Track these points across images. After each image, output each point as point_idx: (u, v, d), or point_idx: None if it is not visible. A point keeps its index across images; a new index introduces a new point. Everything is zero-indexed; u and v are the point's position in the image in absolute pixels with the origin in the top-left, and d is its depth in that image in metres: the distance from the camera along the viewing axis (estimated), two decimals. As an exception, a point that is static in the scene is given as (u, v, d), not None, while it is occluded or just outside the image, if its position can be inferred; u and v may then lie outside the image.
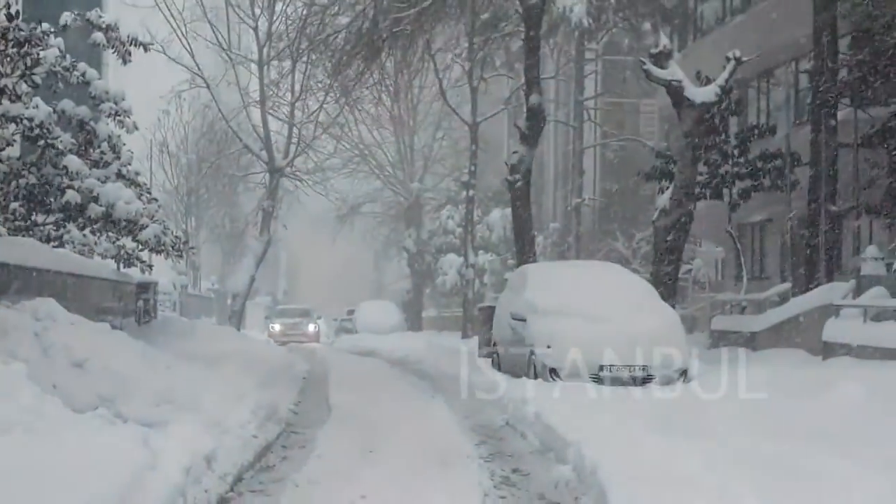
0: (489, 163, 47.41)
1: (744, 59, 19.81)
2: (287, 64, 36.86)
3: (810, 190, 21.28)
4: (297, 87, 37.20)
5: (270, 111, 38.08)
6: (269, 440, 10.05)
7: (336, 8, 27.47)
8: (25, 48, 14.88)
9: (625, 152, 42.08)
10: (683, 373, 14.12)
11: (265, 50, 37.06)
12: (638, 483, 6.77)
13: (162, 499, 6.33)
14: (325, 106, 37.80)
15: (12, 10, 15.19)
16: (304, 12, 31.00)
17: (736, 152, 23.33)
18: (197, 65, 37.04)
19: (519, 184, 22.98)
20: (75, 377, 10.69)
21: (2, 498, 5.32)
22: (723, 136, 23.31)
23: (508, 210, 33.35)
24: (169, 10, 35.88)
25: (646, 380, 13.59)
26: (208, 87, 37.82)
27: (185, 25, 36.58)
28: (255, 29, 37.43)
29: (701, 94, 19.58)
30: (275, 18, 36.87)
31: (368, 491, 7.42)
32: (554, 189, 48.98)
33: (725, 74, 19.69)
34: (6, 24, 13.78)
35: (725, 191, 23.53)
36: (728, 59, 19.74)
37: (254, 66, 38.65)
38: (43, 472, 5.88)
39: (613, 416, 10.14)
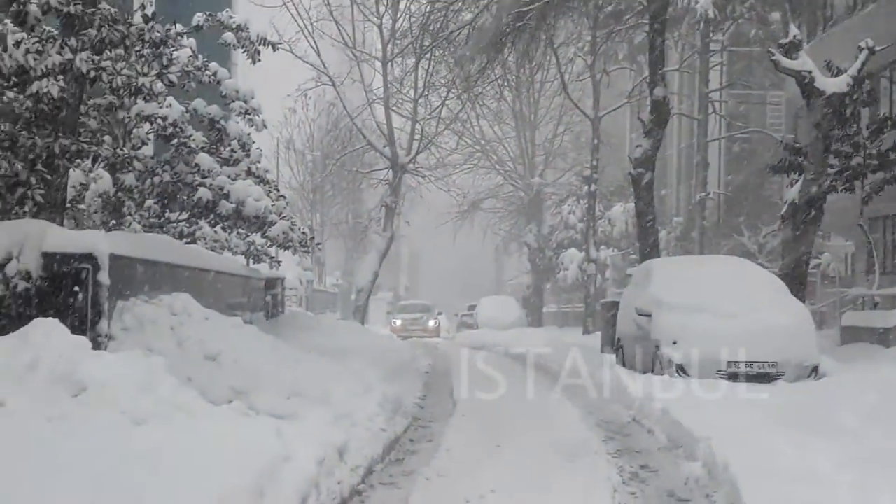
0: (611, 157, 47.08)
1: (877, 48, 19.25)
2: (410, 61, 37.16)
3: (946, 182, 20.56)
4: (420, 84, 37.45)
5: (394, 108, 38.45)
6: (397, 433, 10.19)
7: (459, 4, 27.58)
8: (161, 49, 15.31)
9: (750, 145, 41.31)
10: (814, 370, 13.84)
11: (389, 47, 37.41)
12: (771, 479, 6.69)
13: (297, 490, 6.49)
14: (447, 102, 38.01)
15: (148, 12, 15.65)
16: (428, 9, 31.14)
17: (868, 143, 22.66)
18: (322, 63, 37.57)
19: (643, 178, 22.78)
20: (209, 370, 11.00)
21: (142, 487, 5.51)
22: (854, 128, 22.65)
23: (630, 205, 33.10)
24: (296, 8, 36.47)
25: (775, 377, 13.35)
26: (333, 84, 38.32)
27: (311, 24, 37.13)
28: (380, 26, 37.80)
29: (832, 84, 19.09)
30: (399, 16, 37.18)
31: (497, 485, 7.47)
32: (677, 183, 48.32)
33: (857, 64, 19.16)
34: (142, 25, 14.18)
35: (857, 183, 22.87)
36: (860, 49, 19.21)
37: (378, 64, 39.09)
38: (181, 462, 6.08)
39: (743, 412, 10.02)
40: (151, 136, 18.47)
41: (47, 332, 7.77)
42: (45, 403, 6.78)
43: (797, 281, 19.07)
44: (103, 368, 7.30)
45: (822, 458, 7.33)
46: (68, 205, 14.54)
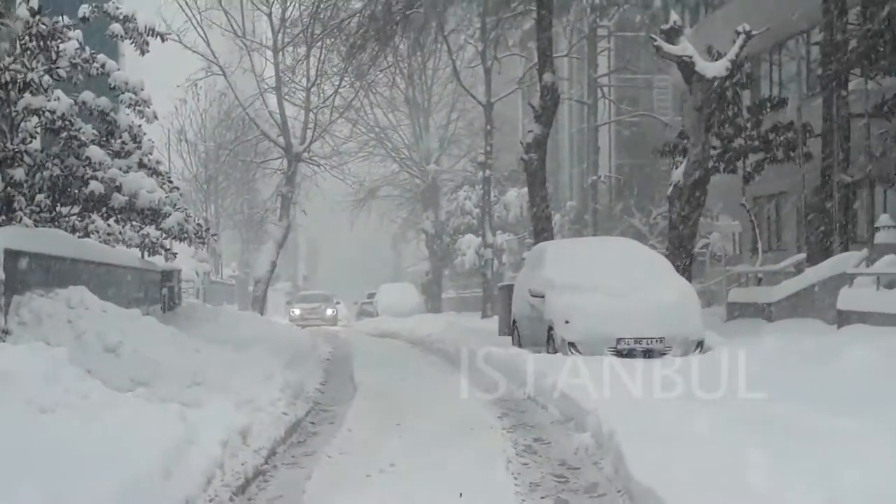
0: (504, 142, 47.63)
1: (753, 32, 19.97)
2: (302, 49, 37.20)
3: (823, 161, 21.45)
4: (313, 73, 37.49)
5: (286, 97, 38.37)
6: (298, 417, 10.41)
7: (349, -9, 27.73)
8: (48, 42, 15.20)
9: (640, 128, 42.21)
10: (699, 344, 14.42)
11: (280, 36, 37.33)
12: (653, 444, 7.08)
13: (202, 470, 6.70)
14: (340, 90, 38.11)
15: (34, 5, 15.51)
16: (317, -3, 31.24)
17: (749, 125, 23.49)
18: (212, 52, 37.34)
19: (534, 162, 23.19)
20: (109, 362, 11.09)
21: (55, 470, 5.65)
22: (735, 110, 23.46)
23: (525, 189, 33.60)
24: (184, -2, 36.17)
25: (663, 351, 13.90)
26: (224, 74, 38.12)
27: (199, 14, 36.90)
28: (270, 15, 37.71)
29: (712, 68, 19.75)
30: (288, 4, 37.19)
31: (397, 460, 7.76)
32: (570, 167, 49.16)
33: (736, 49, 19.85)
34: (29, 18, 14.08)
35: (739, 164, 23.70)
36: (738, 33, 19.91)
37: (269, 53, 38.96)
38: (90, 447, 6.24)
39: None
40: (39, 129, 18.21)
41: (-54, 326, 7.80)
42: (-52, 396, 6.85)
43: (684, 259, 19.72)
44: (6, 359, 7.38)
45: (702, 422, 7.76)
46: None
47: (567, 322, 14.34)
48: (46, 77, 15.70)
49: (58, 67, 14.97)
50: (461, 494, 6.64)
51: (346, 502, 6.58)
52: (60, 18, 16.80)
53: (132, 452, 6.28)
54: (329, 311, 46.73)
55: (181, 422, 7.31)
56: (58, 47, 16.64)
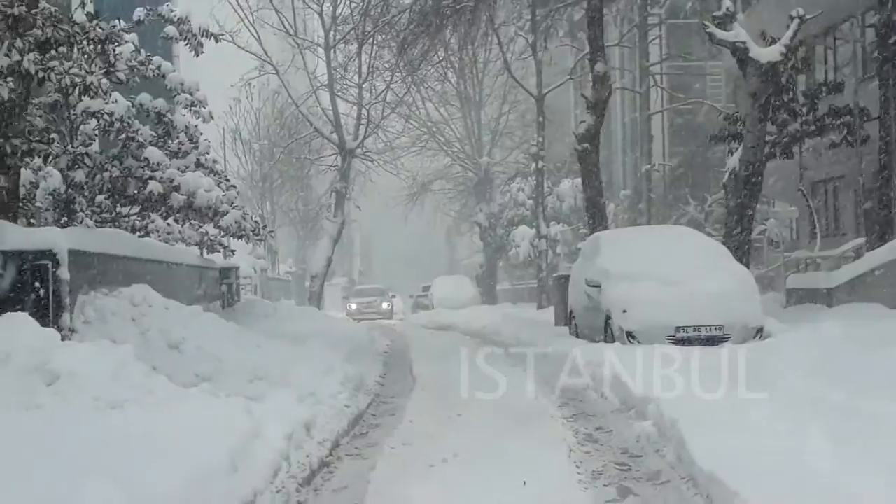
0: (557, 133, 47.48)
1: (807, 16, 19.79)
2: (353, 47, 37.36)
3: (881, 143, 21.19)
4: (364, 69, 37.63)
5: (339, 94, 38.57)
6: (360, 409, 10.52)
7: (399, -12, 27.82)
8: (105, 46, 15.41)
9: (693, 116, 41.90)
10: (759, 331, 14.33)
11: (331, 34, 37.51)
12: (715, 432, 7.09)
13: (269, 463, 6.82)
14: (392, 86, 38.20)
15: (90, 9, 15.76)
16: (368, -5, 31.36)
17: (804, 110, 23.27)
18: (265, 52, 37.63)
19: (588, 153, 23.13)
20: (173, 358, 11.28)
21: (124, 464, 5.79)
22: (790, 95, 23.24)
23: (578, 180, 33.49)
24: (236, -1, 36.53)
25: (722, 339, 13.82)
26: (277, 73, 38.41)
27: (251, 14, 37.18)
28: (321, 13, 37.93)
29: (766, 54, 19.60)
30: (339, 2, 37.32)
31: (459, 450, 7.84)
32: (623, 156, 48.92)
33: (790, 33, 19.68)
34: (86, 23, 14.31)
35: (795, 149, 23.48)
36: (791, 18, 19.73)
37: (321, 51, 39.19)
38: (159, 442, 6.38)
39: (690, 374, 10.41)
40: (98, 132, 18.53)
41: (17, 325, 8.00)
42: (21, 394, 7.03)
43: (741, 246, 19.60)
44: (75, 358, 7.56)
45: (763, 409, 7.75)
46: (20, 203, 14.66)
47: (624, 311, 14.32)
48: (105, 80, 15.95)
49: (116, 70, 15.19)
50: (525, 483, 6.70)
51: (411, 492, 6.67)
52: (117, 22, 17.06)
53: (199, 446, 6.42)
54: (385, 305, 47.29)
55: (246, 415, 7.44)
56: (114, 50, 16.87)
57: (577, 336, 16.73)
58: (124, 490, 5.16)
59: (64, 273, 11.33)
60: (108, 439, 6.21)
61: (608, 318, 14.73)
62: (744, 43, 19.47)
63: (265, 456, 6.87)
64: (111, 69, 14.91)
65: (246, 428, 7.08)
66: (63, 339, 10.86)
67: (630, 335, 14.07)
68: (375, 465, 7.59)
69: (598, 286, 15.33)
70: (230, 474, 6.26)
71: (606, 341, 14.52)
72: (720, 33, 19.63)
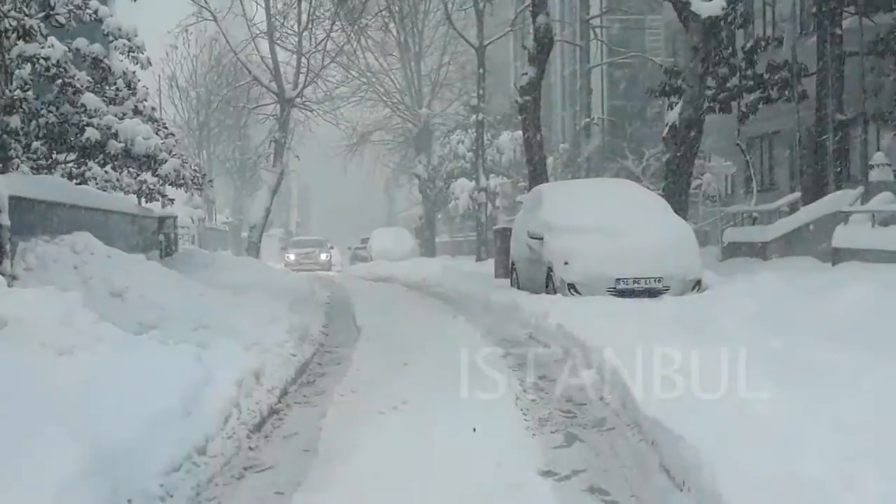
0: (497, 86, 47.51)
1: (749, -29, 19.96)
2: (294, -6, 36.97)
3: (817, 100, 21.52)
4: (304, 17, 37.29)
5: (278, 42, 38.22)
6: (306, 358, 10.57)
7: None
8: (43, -11, 15.13)
9: (632, 70, 42.14)
10: (697, 283, 14.59)
11: (272, -20, 37.05)
12: (656, 379, 7.24)
13: (220, 410, 6.85)
14: (332, 35, 37.89)
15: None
16: (310, -59, 31.00)
17: (743, 65, 23.53)
18: (203, -2, 37.10)
19: (529, 105, 23.20)
20: (116, 306, 11.21)
21: (78, 411, 5.78)
22: (730, 50, 23.48)
23: (518, 133, 33.61)
24: (174, -57, 35.92)
25: (661, 291, 14.06)
26: (215, 19, 37.88)
27: (190, -42, 36.56)
28: (262, -41, 37.44)
29: (707, 8, 19.73)
30: (280, -52, 36.81)
31: (408, 397, 7.93)
32: (562, 110, 49.11)
33: (731, -13, 19.84)
34: (24, -34, 14.04)
35: (734, 104, 23.77)
36: (733, -27, 19.89)
37: (260, -3, 38.68)
38: (111, 388, 6.37)
39: (631, 324, 10.61)
40: (33, 76, 18.16)
41: (-39, 272, 7.89)
42: (-33, 340, 6.96)
43: (680, 200, 19.85)
44: (21, 304, 7.50)
45: (706, 357, 7.90)
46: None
47: (566, 263, 14.48)
48: (43, 24, 15.65)
49: (56, 14, 14.92)
50: (475, 429, 6.81)
51: (363, 439, 6.74)
52: (55, -36, 16.71)
53: (152, 392, 6.42)
54: (323, 256, 47.33)
55: (197, 362, 7.45)
56: (50, -7, 16.55)
57: (519, 288, 16.88)
58: (80, 436, 5.15)
59: (4, 219, 11.19)
60: (60, 385, 6.19)
61: (550, 269, 14.88)
62: (686, -3, 19.59)
63: (216, 402, 6.90)
64: (51, 12, 14.62)
65: (197, 375, 7.09)
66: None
67: (571, 287, 14.24)
68: (326, 413, 7.65)
69: (541, 238, 15.47)
70: (183, 420, 6.29)
71: (548, 293, 14.69)
72: (662, -13, 19.73)
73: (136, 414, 5.89)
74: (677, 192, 20.08)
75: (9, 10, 12.23)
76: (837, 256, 16.91)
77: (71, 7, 17.96)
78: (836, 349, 7.96)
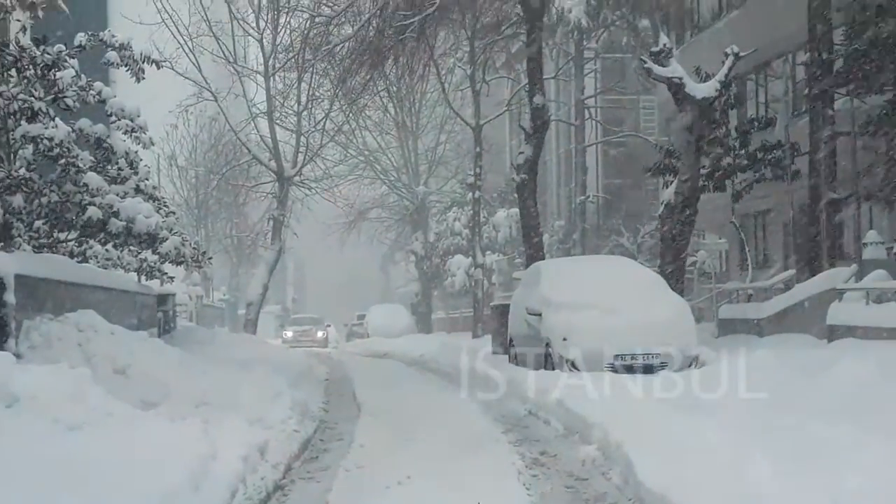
0: (493, 164, 48.00)
1: (742, 54, 20.38)
2: (293, 75, 37.45)
3: (810, 178, 21.81)
4: (304, 97, 37.76)
5: (278, 122, 38.66)
6: (308, 434, 10.63)
7: (341, 18, 28.00)
8: (52, 71, 15.38)
9: (626, 148, 42.66)
10: (695, 359, 14.69)
11: (271, 61, 37.58)
12: (660, 453, 7.34)
13: (227, 485, 6.93)
14: (330, 115, 38.36)
15: (28, 35, 15.77)
16: (309, 23, 31.52)
17: (737, 144, 23.90)
18: (204, 78, 37.60)
19: (526, 183, 23.46)
20: (119, 384, 11.28)
21: (89, 485, 5.87)
22: (724, 130, 23.85)
23: (514, 210, 33.92)
24: (175, 25, 36.53)
25: (660, 367, 14.14)
26: (216, 99, 38.39)
27: (191, 40, 37.12)
28: (261, 41, 38.00)
29: (701, 89, 20.13)
30: (279, 30, 37.41)
31: (413, 473, 8.00)
32: (557, 187, 49.55)
33: (725, 70, 20.25)
34: (33, 48, 14.32)
35: (728, 182, 24.07)
36: (727, 55, 20.30)
37: (260, 78, 39.17)
38: (120, 463, 6.47)
39: (631, 400, 10.72)
40: (37, 156, 18.39)
41: (-28, 349, 8.01)
42: (-22, 416, 7.06)
43: (675, 277, 20.02)
44: (33, 380, 7.61)
45: (705, 433, 8.02)
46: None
47: (565, 339, 14.59)
48: (43, 105, 15.92)
49: (64, 97, 15.19)
50: (479, 503, 6.89)
51: (369, 513, 6.83)
52: (62, 47, 17.03)
53: (161, 467, 6.52)
54: (320, 334, 47.50)
55: (204, 437, 7.54)
56: (54, 75, 16.83)
57: (517, 364, 16.95)
58: (94, 509, 5.25)
59: (10, 298, 11.31)
60: (71, 461, 6.28)
61: (548, 346, 14.99)
62: (680, 78, 19.98)
63: (223, 477, 6.98)
64: (59, 95, 14.88)
65: (203, 450, 7.19)
66: (9, 363, 10.85)
67: (570, 363, 14.32)
68: (331, 488, 7.73)
69: (539, 315, 15.59)
70: (191, 495, 6.37)
71: (547, 369, 14.76)
72: (657, 69, 20.12)
73: (146, 489, 5.98)
74: (673, 269, 20.26)
75: (17, 93, 12.49)
76: (833, 333, 17.03)
77: (75, 88, 18.25)
78: (834, 425, 8.07)
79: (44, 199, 18.38)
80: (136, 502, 5.69)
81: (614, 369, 13.96)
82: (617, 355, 14.22)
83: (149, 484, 6.07)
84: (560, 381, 12.74)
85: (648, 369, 14.01)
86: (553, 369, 14.54)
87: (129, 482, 6.00)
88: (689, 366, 14.48)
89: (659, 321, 14.73)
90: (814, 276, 20.38)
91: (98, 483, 5.87)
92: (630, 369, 13.95)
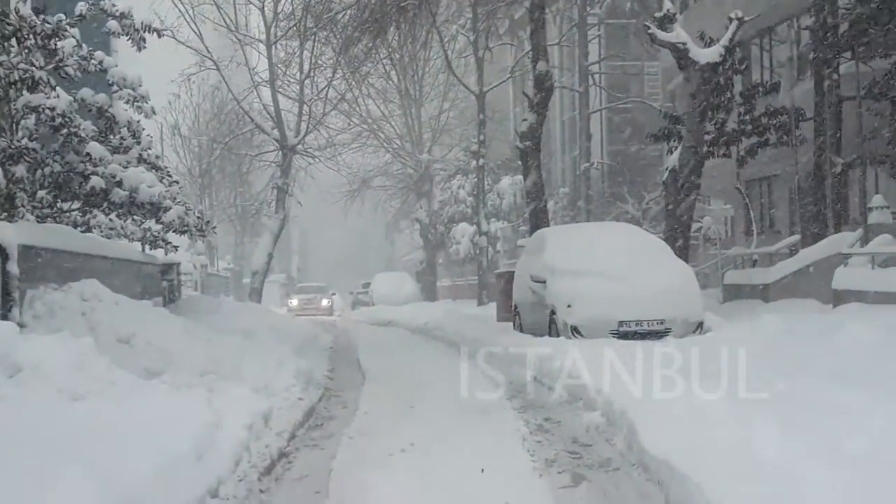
0: (497, 131, 47.90)
1: (746, 18, 20.23)
2: (295, 43, 37.33)
3: (815, 143, 21.73)
4: (306, 65, 37.62)
5: (280, 90, 38.50)
6: (313, 402, 10.66)
7: (342, -15, 27.86)
8: (51, 40, 15.32)
9: (630, 115, 42.55)
10: (699, 325, 14.68)
11: (272, 29, 37.41)
12: (663, 420, 7.33)
13: (231, 453, 6.94)
14: (333, 83, 38.22)
15: (37, 4, 15.69)
16: (310, -9, 31.39)
17: (742, 110, 23.77)
18: (206, 47, 37.44)
19: (530, 150, 23.36)
20: (123, 353, 11.29)
21: (94, 454, 5.87)
22: (728, 95, 23.73)
23: (518, 177, 33.83)
24: (177, -7, 36.35)
25: (663, 333, 14.14)
26: (218, 68, 38.23)
27: (192, 9, 36.95)
28: (262, 9, 37.81)
29: (705, 54, 20.00)
30: (281, -2, 37.23)
31: (415, 440, 8.02)
32: (562, 154, 49.45)
33: (728, 34, 20.11)
34: (33, 17, 14.26)
35: (733, 148, 23.97)
36: (730, 20, 20.16)
37: (262, 46, 38.98)
38: (124, 432, 6.47)
39: (635, 366, 10.69)
40: (38, 126, 18.34)
41: (-25, 319, 8.01)
42: (-18, 386, 7.07)
43: (680, 243, 19.99)
44: (36, 350, 7.61)
45: (709, 397, 8.02)
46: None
47: (569, 306, 14.59)
48: (50, 76, 15.87)
49: (65, 66, 15.13)
50: (483, 470, 6.89)
51: (373, 480, 6.82)
52: (62, 16, 16.95)
53: (164, 436, 6.52)
54: (325, 302, 47.72)
55: (208, 406, 7.55)
56: (55, 45, 16.76)
57: (522, 331, 16.97)
58: (97, 479, 5.25)
59: (13, 268, 11.31)
60: (76, 430, 6.28)
61: (553, 313, 14.99)
62: (684, 44, 19.86)
63: (227, 446, 6.99)
64: (60, 64, 14.81)
65: (207, 418, 7.19)
66: (13, 333, 10.87)
67: (574, 329, 14.34)
68: (335, 455, 7.74)
69: (543, 282, 15.59)
70: (195, 463, 6.38)
71: (551, 336, 14.77)
72: (661, 34, 19.99)
73: (150, 457, 5.99)
74: (678, 236, 20.23)
75: (18, 63, 12.44)
76: (838, 298, 17.00)
77: (76, 58, 18.18)
78: (839, 389, 8.06)
79: (46, 169, 18.39)
80: (138, 471, 5.69)
81: (619, 335, 13.97)
82: (621, 322, 14.23)
83: (151, 453, 6.06)
84: (564, 348, 12.74)
85: (652, 335, 14.01)
86: (558, 336, 14.55)
87: (131, 451, 5.99)
88: (694, 332, 14.48)
89: (663, 287, 14.72)
90: (819, 241, 20.33)
91: (100, 452, 5.86)
92: (634, 335, 13.96)
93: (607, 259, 15.23)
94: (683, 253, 19.76)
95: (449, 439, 8.12)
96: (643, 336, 14.01)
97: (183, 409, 7.29)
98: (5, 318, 11.03)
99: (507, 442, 8.07)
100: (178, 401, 7.67)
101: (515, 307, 18.11)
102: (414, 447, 7.81)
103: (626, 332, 14.14)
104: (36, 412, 6.50)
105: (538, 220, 23.15)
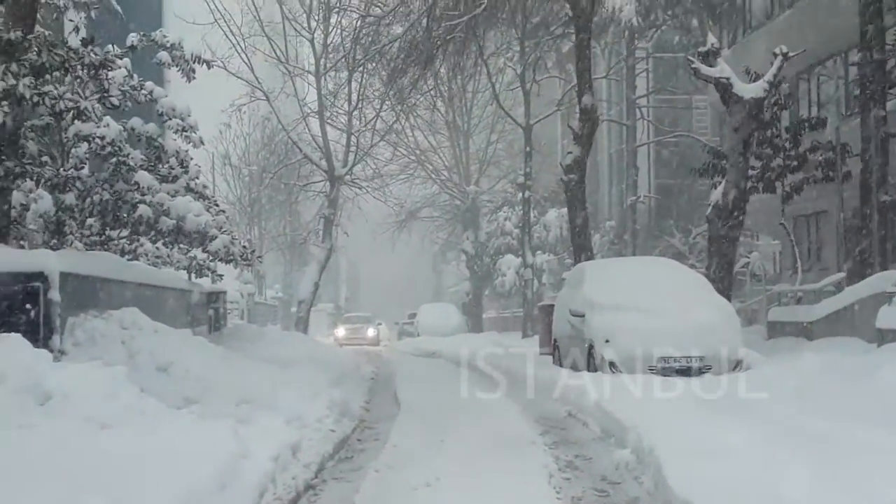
0: (544, 163, 47.88)
1: (791, 54, 20.14)
2: (343, 74, 37.73)
3: (862, 180, 21.51)
4: (354, 97, 38.00)
5: (329, 121, 38.86)
6: (345, 434, 10.69)
7: (390, 18, 28.10)
8: (99, 71, 15.60)
9: (679, 148, 42.34)
10: (739, 363, 14.53)
11: (322, 61, 37.86)
12: (693, 459, 7.27)
13: (255, 484, 6.99)
14: (381, 114, 38.53)
15: (81, 34, 16.01)
16: (359, 23, 31.70)
17: (787, 145, 23.61)
18: (256, 78, 37.94)
19: (574, 183, 23.33)
20: (161, 381, 11.42)
21: (116, 483, 5.95)
22: (774, 130, 23.58)
23: (564, 210, 33.69)
24: (228, 25, 36.88)
25: (702, 370, 14.02)
26: (268, 99, 38.68)
27: (243, 40, 37.50)
28: (312, 41, 38.24)
29: (749, 89, 19.91)
30: (330, 30, 37.70)
31: (442, 474, 8.00)
32: (609, 187, 49.30)
33: (773, 70, 20.02)
34: (81, 48, 14.55)
35: (778, 184, 23.80)
36: (775, 55, 20.08)
37: (311, 78, 39.48)
38: (150, 461, 6.54)
39: (670, 403, 10.64)
40: (89, 155, 18.66)
41: (11, 346, 8.15)
42: (14, 413, 7.18)
43: (723, 279, 19.84)
44: (67, 378, 7.72)
45: (740, 437, 7.94)
46: (11, 225, 14.80)
47: (607, 341, 14.52)
48: (97, 105, 16.17)
49: (110, 96, 15.42)
50: (505, 507, 6.89)
51: (394, 514, 6.84)
52: (111, 48, 17.27)
53: (189, 466, 6.58)
54: (371, 332, 47.88)
55: (234, 437, 7.60)
56: (106, 75, 17.07)
57: (561, 365, 16.90)
58: (117, 507, 5.32)
59: (55, 295, 11.49)
60: (101, 459, 6.36)
61: (591, 347, 14.93)
62: (727, 79, 19.78)
63: (252, 477, 7.04)
64: (105, 94, 15.09)
65: (233, 449, 7.25)
66: (54, 360, 11.02)
67: (612, 365, 14.26)
68: (360, 488, 7.75)
69: (582, 316, 15.53)
70: (218, 494, 6.43)
71: (589, 370, 14.69)
72: (705, 69, 19.95)
73: (171, 487, 6.04)
74: (721, 271, 20.08)
75: (64, 93, 12.70)
76: (883, 337, 16.74)
77: (126, 88, 18.50)
78: (873, 431, 7.95)
79: (95, 197, 18.68)
80: (159, 501, 5.75)
81: (656, 371, 13.87)
82: (659, 357, 14.11)
83: (174, 483, 6.13)
84: (601, 383, 12.69)
85: (690, 372, 13.90)
86: (596, 371, 14.48)
87: (155, 481, 6.06)
88: (734, 369, 14.32)
89: (702, 324, 14.60)
90: (864, 279, 20.08)
91: (124, 482, 5.94)
92: (672, 372, 13.84)
93: (647, 294, 15.14)
94: (727, 289, 19.60)
95: (475, 474, 8.10)
96: (682, 373, 13.89)
97: (209, 439, 7.35)
98: (46, 345, 11.19)
99: (534, 478, 8.03)
100: (205, 431, 7.74)
101: (555, 341, 18.06)
102: (439, 481, 7.80)
103: (665, 369, 14.01)
104: (62, 441, 6.59)
105: (581, 254, 23.09)
